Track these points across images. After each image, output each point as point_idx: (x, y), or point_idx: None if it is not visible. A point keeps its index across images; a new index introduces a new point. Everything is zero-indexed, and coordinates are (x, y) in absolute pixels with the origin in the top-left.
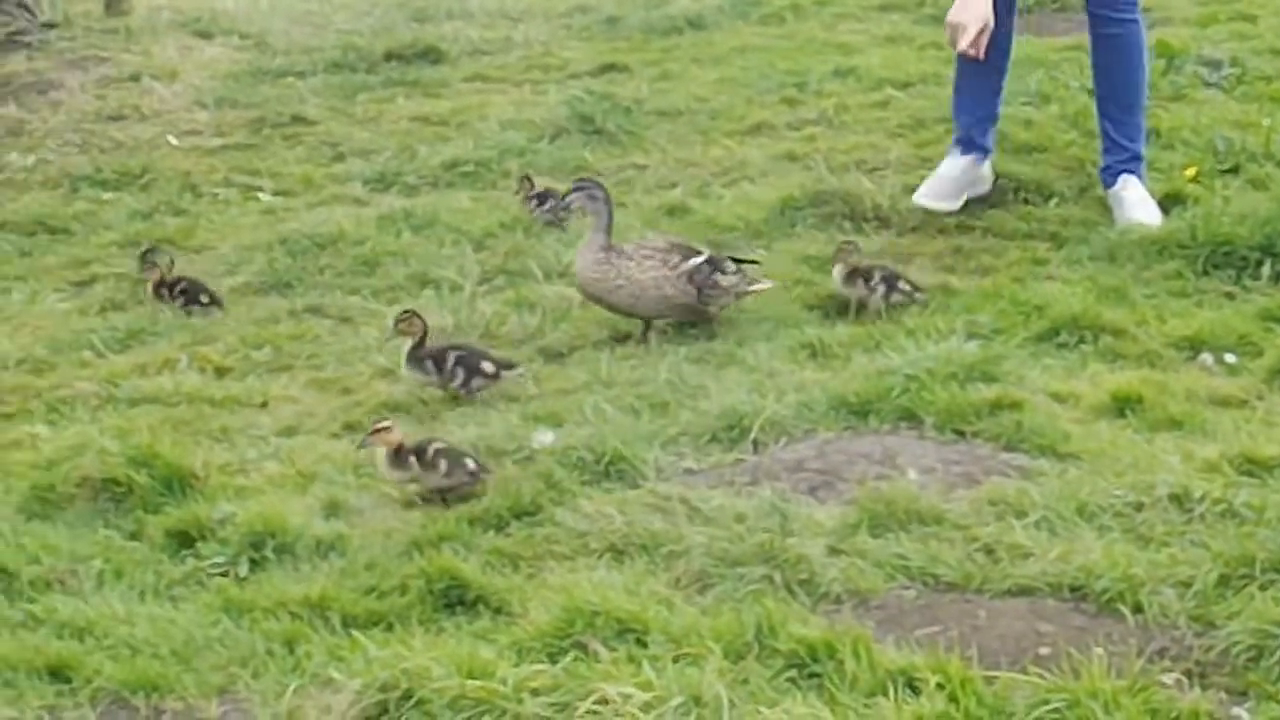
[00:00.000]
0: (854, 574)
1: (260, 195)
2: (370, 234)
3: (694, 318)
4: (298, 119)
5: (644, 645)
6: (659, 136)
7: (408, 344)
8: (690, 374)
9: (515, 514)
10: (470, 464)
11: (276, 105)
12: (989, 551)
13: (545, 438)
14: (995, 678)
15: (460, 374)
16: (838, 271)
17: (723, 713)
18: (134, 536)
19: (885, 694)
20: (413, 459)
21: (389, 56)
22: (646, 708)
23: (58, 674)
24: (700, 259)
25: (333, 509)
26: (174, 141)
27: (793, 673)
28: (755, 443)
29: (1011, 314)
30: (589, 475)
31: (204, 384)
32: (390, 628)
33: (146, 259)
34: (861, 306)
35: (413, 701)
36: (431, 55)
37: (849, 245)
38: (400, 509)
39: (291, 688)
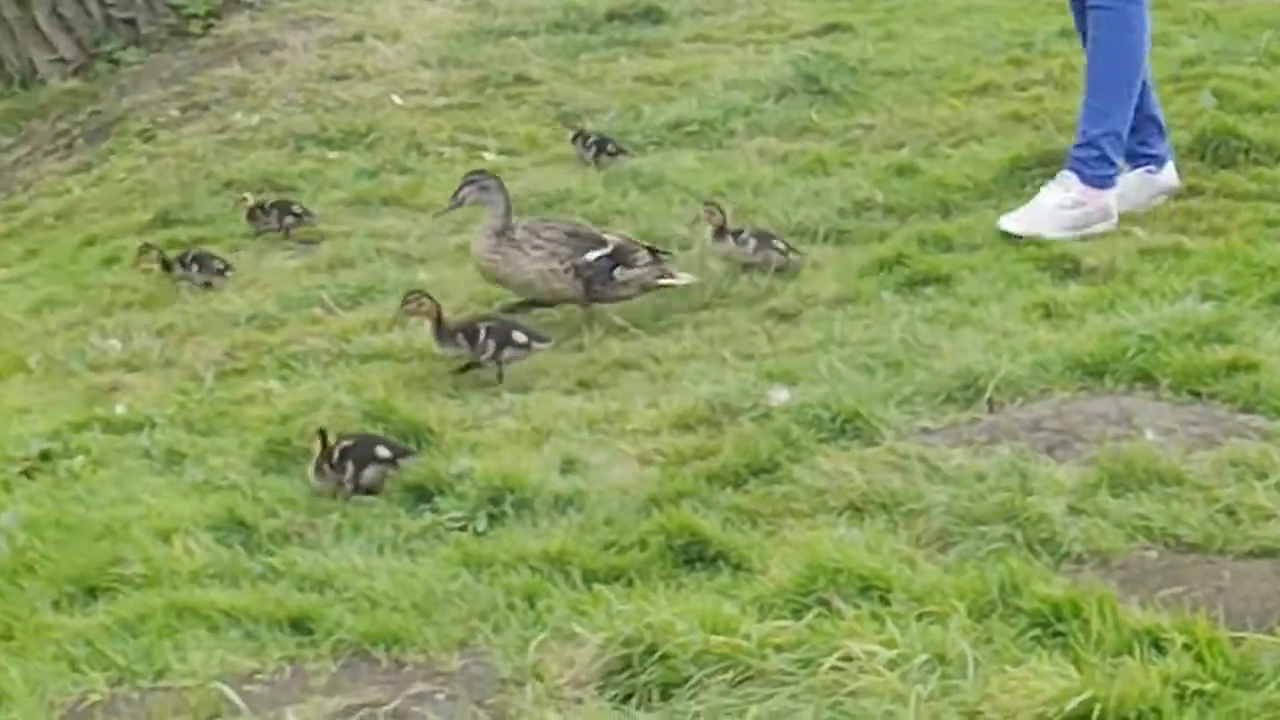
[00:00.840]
0: (1095, 533)
1: (485, 154)
2: (598, 192)
3: (593, 306)
4: (521, 78)
5: (887, 603)
6: (884, 96)
7: (427, 324)
8: (924, 333)
9: (753, 471)
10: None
11: (500, 65)
12: (1230, 513)
13: (781, 395)
14: (1242, 639)
15: (491, 345)
16: (708, 233)
17: (967, 670)
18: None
19: (1131, 654)
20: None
21: (611, 16)
22: (891, 665)
23: (299, 625)
24: (600, 252)
25: (569, 465)
26: (398, 101)
27: (1037, 631)
28: (990, 402)
29: (1245, 275)
30: (825, 433)
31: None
32: (630, 583)
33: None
34: (746, 266)
35: (656, 656)
36: (653, 15)
37: (711, 205)
38: (637, 465)
39: (534, 641)
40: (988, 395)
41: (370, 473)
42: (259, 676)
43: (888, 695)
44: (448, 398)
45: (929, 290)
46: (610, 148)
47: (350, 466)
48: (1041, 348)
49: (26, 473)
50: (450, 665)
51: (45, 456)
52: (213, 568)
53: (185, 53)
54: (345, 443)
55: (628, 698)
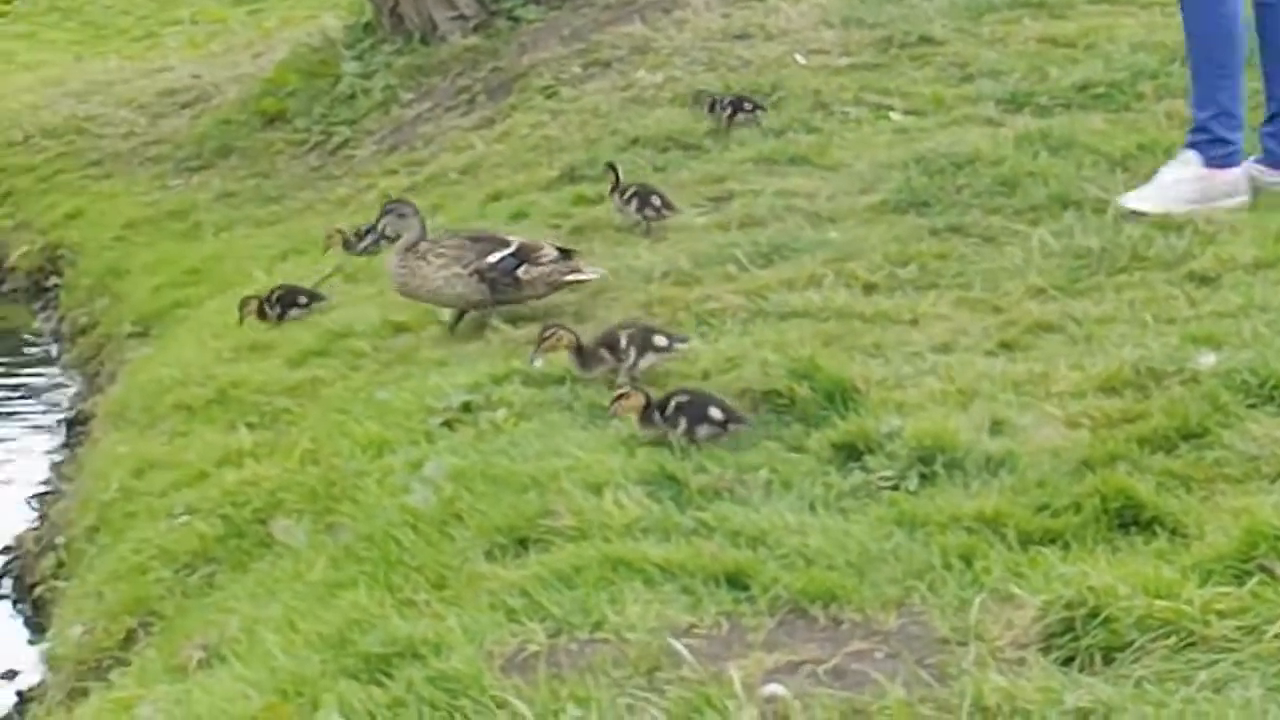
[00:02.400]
0: None
1: (891, 114)
2: (1008, 154)
3: (503, 306)
4: (924, 39)
5: None
6: None
7: (566, 355)
8: None
9: (1183, 435)
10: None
11: (903, 25)
12: None
13: (1207, 359)
14: None
15: (633, 352)
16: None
17: None
18: (797, 448)
19: None
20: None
21: None
22: None
23: (734, 581)
24: (502, 253)
25: (997, 426)
26: (801, 60)
27: None
28: None
29: None
30: (1253, 398)
31: (852, 299)
32: (1066, 546)
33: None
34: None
35: (1099, 620)
36: None
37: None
38: (1065, 427)
39: (976, 601)
40: None
41: (703, 431)
42: (696, 631)
43: None
44: (869, 357)
45: None
46: (747, 105)
47: (683, 422)
48: None
49: (448, 424)
50: (887, 624)
51: (466, 408)
52: (644, 521)
53: (586, 10)
54: (681, 398)
55: (1069, 660)
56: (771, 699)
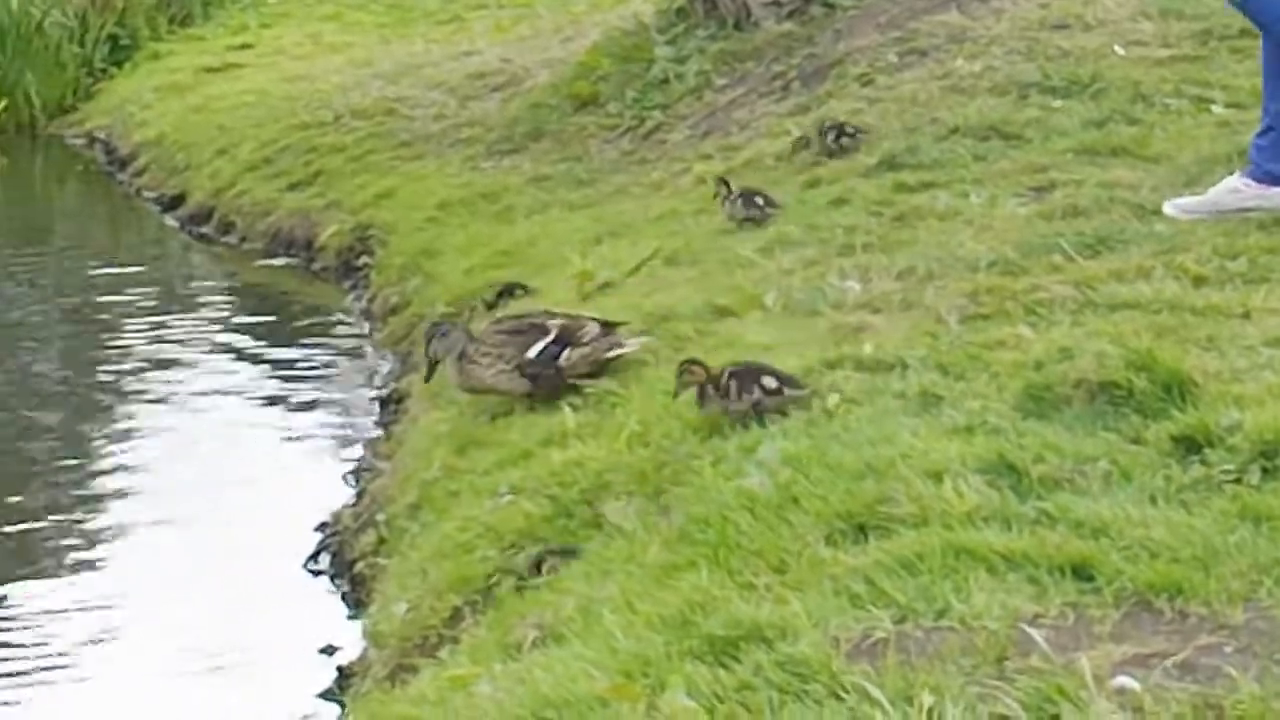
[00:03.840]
0: None
1: (1212, 107)
2: None
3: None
4: (1245, 31)
5: None
6: None
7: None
8: None
9: None
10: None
11: (1222, 18)
12: None
13: None
14: None
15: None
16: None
17: None
18: (1136, 440)
19: None
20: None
21: None
22: None
23: (1079, 572)
24: (542, 343)
25: None
26: (1120, 51)
27: None
28: None
29: None
30: None
31: (1182, 292)
32: None
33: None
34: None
35: None
36: None
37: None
38: None
39: None
40: None
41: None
42: (1042, 621)
43: None
44: (1203, 350)
45: None
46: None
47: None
48: None
49: (779, 409)
50: (1235, 618)
51: None
52: (984, 510)
53: None
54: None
55: None
56: (1123, 691)
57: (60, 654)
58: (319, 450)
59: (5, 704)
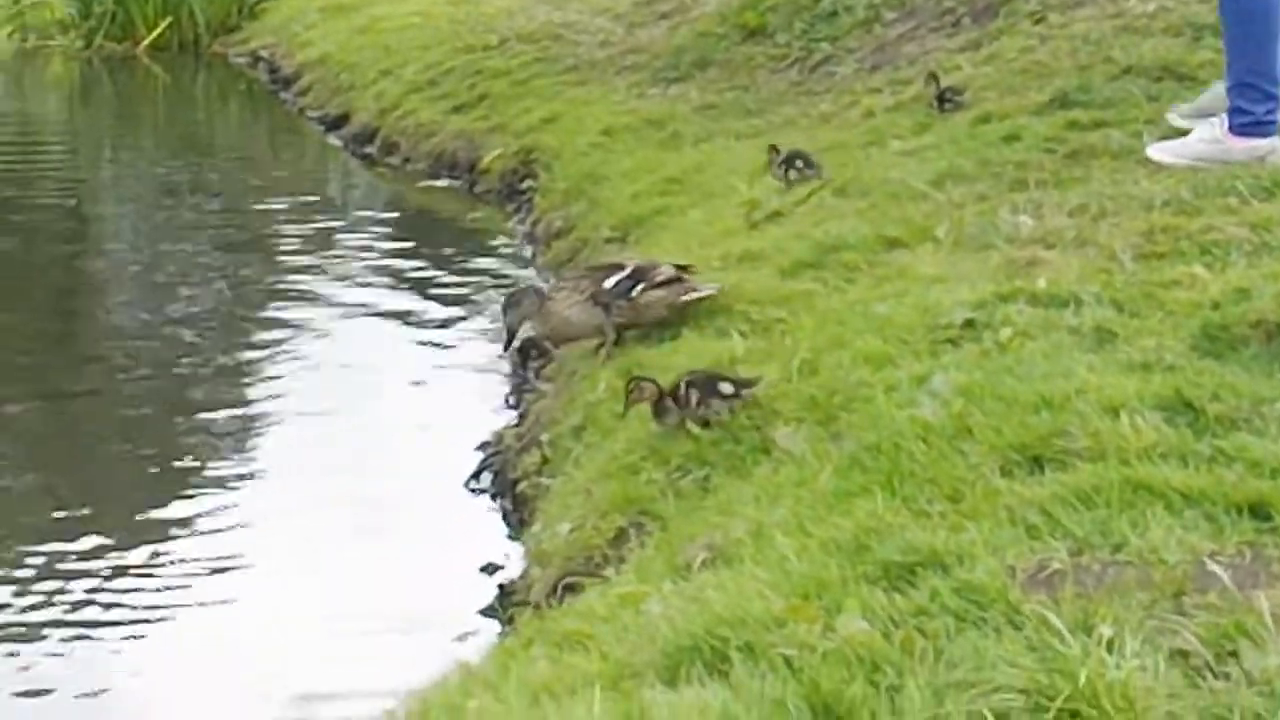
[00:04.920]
0: None
1: None
2: None
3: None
4: None
5: None
6: None
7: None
8: None
9: None
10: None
11: None
12: None
13: None
14: None
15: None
16: None
17: None
18: None
19: None
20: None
21: None
22: None
23: (1255, 511)
24: (617, 276)
25: None
26: None
27: None
28: None
29: None
30: None
31: None
32: None
33: None
34: None
35: None
36: None
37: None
38: None
39: None
40: None
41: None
42: (1219, 558)
43: None
44: None
45: None
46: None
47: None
48: None
49: (951, 340)
50: None
51: (969, 325)
52: (1161, 446)
53: None
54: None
55: None
56: None
57: (221, 570)
58: (479, 370)
59: (174, 618)
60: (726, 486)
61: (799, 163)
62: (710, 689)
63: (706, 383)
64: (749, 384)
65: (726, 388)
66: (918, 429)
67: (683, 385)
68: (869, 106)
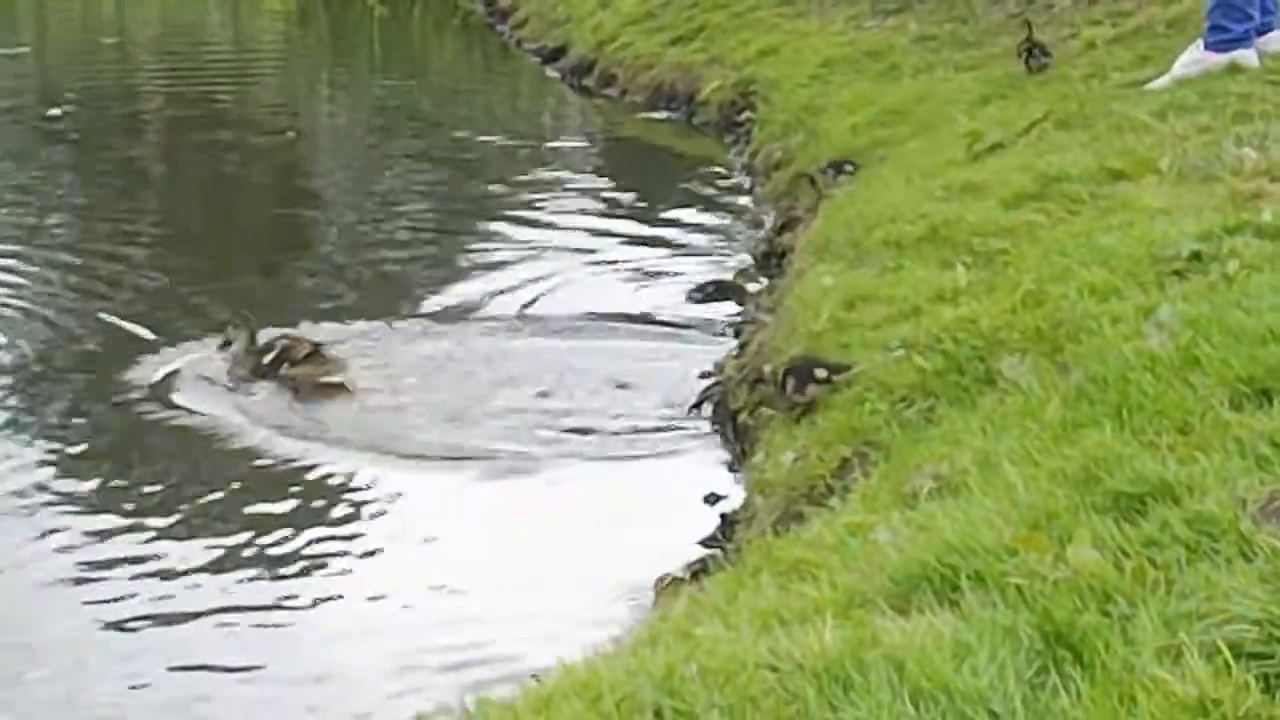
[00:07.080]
0: None
1: None
2: None
3: None
4: None
5: None
6: None
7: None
8: None
9: None
10: None
11: None
12: None
13: None
14: None
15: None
16: None
17: None
18: None
19: None
20: None
21: None
22: None
23: None
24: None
25: None
26: None
27: None
28: None
29: None
30: None
31: None
32: None
33: None
34: None
35: None
36: None
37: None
38: None
39: None
40: None
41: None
42: None
43: None
44: None
45: None
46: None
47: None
48: None
49: (1177, 272)
50: None
51: (1195, 257)
52: None
53: None
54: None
55: None
56: None
57: (445, 503)
58: (700, 301)
59: (386, 551)
60: (951, 416)
61: (1037, 51)
62: (941, 617)
63: (803, 368)
64: (842, 369)
65: (821, 373)
66: (1145, 361)
67: (781, 373)
68: (1089, 38)
